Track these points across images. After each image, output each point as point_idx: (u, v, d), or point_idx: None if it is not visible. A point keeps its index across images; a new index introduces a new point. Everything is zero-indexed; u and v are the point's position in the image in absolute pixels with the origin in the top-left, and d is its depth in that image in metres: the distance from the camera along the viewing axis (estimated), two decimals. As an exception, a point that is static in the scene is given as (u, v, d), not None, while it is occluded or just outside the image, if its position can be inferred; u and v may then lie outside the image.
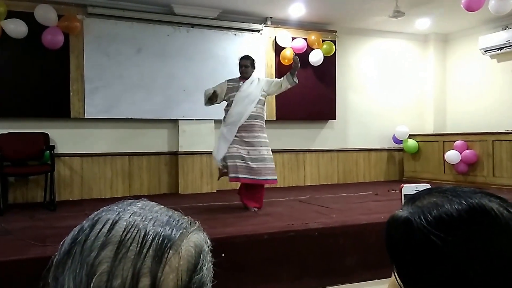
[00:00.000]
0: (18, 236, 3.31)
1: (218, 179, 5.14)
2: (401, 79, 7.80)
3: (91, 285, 0.44)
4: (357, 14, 6.70)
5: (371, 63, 7.60)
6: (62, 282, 0.46)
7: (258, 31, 6.61)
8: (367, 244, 3.50)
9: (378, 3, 6.16)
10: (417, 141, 7.35)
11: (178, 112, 6.11)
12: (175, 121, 6.15)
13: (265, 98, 4.70)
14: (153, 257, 0.46)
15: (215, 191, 6.20)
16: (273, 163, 4.55)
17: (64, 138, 5.58)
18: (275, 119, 6.68)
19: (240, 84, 4.59)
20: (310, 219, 3.86)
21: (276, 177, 4.54)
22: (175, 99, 6.09)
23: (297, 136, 7.00)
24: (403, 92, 7.81)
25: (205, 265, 0.50)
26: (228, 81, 4.69)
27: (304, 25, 6.89)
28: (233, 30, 6.45)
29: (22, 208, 4.93)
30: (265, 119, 4.69)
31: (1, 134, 5.14)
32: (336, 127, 7.29)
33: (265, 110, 4.76)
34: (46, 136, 5.40)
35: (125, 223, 0.48)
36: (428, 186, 0.81)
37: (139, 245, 0.46)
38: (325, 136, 7.23)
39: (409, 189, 0.82)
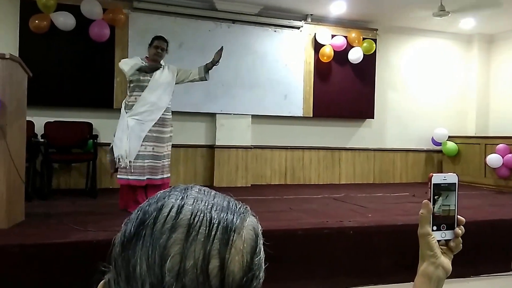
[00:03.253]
0: (61, 221, 3.44)
1: (111, 175, 4.31)
2: (442, 80, 7.61)
3: (166, 266, 0.46)
4: (399, 12, 6.57)
5: (412, 62, 7.44)
6: (134, 263, 0.48)
7: (298, 28, 6.59)
8: (403, 245, 3.45)
9: (421, 1, 6.02)
10: (457, 143, 7.15)
11: (216, 106, 6.19)
12: (213, 115, 6.24)
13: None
14: (221, 240, 0.48)
15: (250, 185, 6.26)
16: (168, 160, 4.11)
17: (107, 128, 5.74)
18: (312, 116, 6.67)
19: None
20: (345, 217, 3.84)
21: (169, 175, 4.10)
22: (214, 94, 6.18)
23: (334, 133, 6.96)
24: (444, 93, 7.62)
25: (261, 248, 0.53)
26: (142, 59, 4.04)
27: (344, 23, 6.83)
28: (273, 27, 6.47)
29: (64, 194, 5.11)
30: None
31: (48, 122, 5.36)
32: (374, 126, 7.19)
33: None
34: (90, 125, 5.59)
35: (190, 207, 0.50)
36: (454, 175, 0.82)
37: (207, 228, 0.48)
38: (362, 135, 7.15)
39: (437, 178, 0.82)
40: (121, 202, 4.11)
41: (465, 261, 3.49)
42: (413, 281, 0.81)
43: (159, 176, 3.99)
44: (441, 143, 7.23)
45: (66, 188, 5.56)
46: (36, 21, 5.22)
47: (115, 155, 3.93)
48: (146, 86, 3.95)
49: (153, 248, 0.47)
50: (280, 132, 6.65)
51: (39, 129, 5.30)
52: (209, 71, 4.17)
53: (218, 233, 0.48)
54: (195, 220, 0.49)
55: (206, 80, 4.23)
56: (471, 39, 7.68)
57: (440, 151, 7.41)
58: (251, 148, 6.35)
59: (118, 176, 3.98)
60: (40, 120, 5.31)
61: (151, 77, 3.97)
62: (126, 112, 3.98)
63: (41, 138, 5.19)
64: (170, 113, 4.16)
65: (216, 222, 0.49)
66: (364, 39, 6.74)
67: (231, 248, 0.48)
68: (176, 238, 0.47)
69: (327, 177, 6.89)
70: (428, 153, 7.50)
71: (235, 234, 0.50)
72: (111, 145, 4.06)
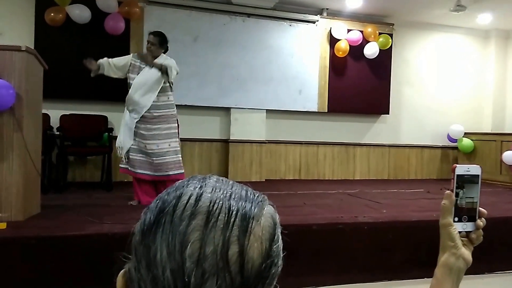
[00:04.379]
0: (77, 213, 3.46)
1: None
2: (458, 76, 7.50)
3: (186, 252, 0.47)
4: (416, 7, 6.49)
5: (428, 57, 7.35)
6: (155, 250, 0.48)
7: (314, 22, 6.54)
8: (417, 241, 3.42)
9: (439, -4, 5.93)
10: (473, 140, 7.06)
11: (231, 101, 6.19)
12: (227, 109, 6.24)
13: (171, 84, 4.08)
14: (240, 226, 0.49)
15: (264, 180, 6.26)
16: (178, 155, 4.05)
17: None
18: (326, 111, 6.62)
19: (143, 66, 4.00)
20: (359, 212, 3.81)
21: (181, 171, 4.03)
22: (228, 88, 6.17)
23: (348, 129, 6.91)
24: (460, 89, 7.51)
25: (280, 236, 0.54)
26: (134, 56, 4.08)
27: (360, 17, 6.76)
28: (288, 21, 6.43)
29: (80, 187, 5.16)
30: (174, 107, 4.12)
31: (64, 114, 5.40)
32: (389, 122, 7.13)
33: (171, 97, 4.11)
34: (105, 118, 5.62)
35: (209, 195, 0.51)
36: (478, 167, 0.81)
37: (226, 215, 0.49)
38: (377, 131, 7.09)
39: (461, 169, 0.82)
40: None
41: (480, 258, 3.44)
42: (427, 278, 0.80)
43: (161, 173, 3.98)
44: (456, 139, 7.14)
45: (81, 181, 5.60)
46: (52, 14, 5.26)
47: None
48: (131, 84, 4.01)
49: (173, 235, 0.48)
50: (294, 127, 6.62)
51: (54, 122, 5.35)
52: (164, 71, 3.91)
53: (237, 220, 0.49)
54: (214, 207, 0.49)
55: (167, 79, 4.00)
56: (488, 35, 7.55)
57: (455, 148, 7.31)
58: (265, 142, 6.34)
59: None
60: (55, 113, 5.36)
61: (136, 76, 4.00)
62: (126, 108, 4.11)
63: (57, 131, 5.23)
64: (168, 110, 4.05)
65: (235, 209, 0.50)
66: (380, 34, 6.66)
67: (250, 235, 0.49)
68: (196, 225, 0.48)
69: (341, 172, 6.85)
70: (443, 150, 7.41)
71: (254, 221, 0.50)
72: None
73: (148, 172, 3.99)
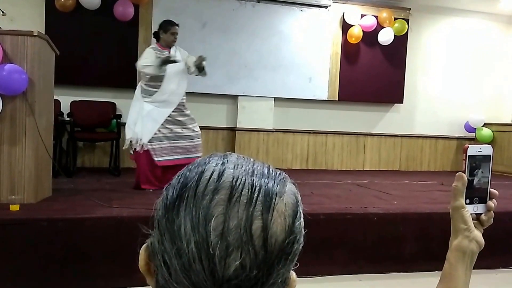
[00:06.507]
0: (87, 197, 3.51)
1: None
2: (478, 63, 7.24)
3: (210, 225, 0.47)
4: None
5: (446, 44, 7.10)
6: (179, 224, 0.49)
7: (326, 7, 6.38)
8: (430, 234, 3.34)
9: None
10: (492, 130, 6.87)
11: (239, 88, 6.10)
12: (235, 97, 6.16)
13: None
14: (263, 202, 0.49)
15: (271, 169, 6.18)
16: (200, 139, 4.30)
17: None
18: (337, 99, 6.50)
19: (169, 56, 4.07)
20: (369, 203, 3.74)
21: (201, 154, 4.09)
22: (236, 75, 6.09)
23: (359, 118, 6.77)
24: (479, 77, 7.26)
25: (302, 213, 0.54)
26: (154, 49, 4.13)
27: (375, 1, 6.56)
28: (299, 6, 6.28)
29: (89, 172, 5.21)
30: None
31: (74, 101, 5.42)
32: (403, 111, 6.97)
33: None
34: (113, 105, 5.62)
35: (231, 170, 0.51)
36: (490, 147, 0.81)
37: (249, 191, 0.49)
38: (389, 120, 6.94)
39: (473, 149, 0.80)
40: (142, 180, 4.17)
41: (495, 252, 3.36)
42: (439, 271, 0.78)
43: (195, 155, 4.11)
44: (475, 129, 6.95)
45: (90, 166, 5.65)
46: (62, 0, 5.26)
47: (126, 138, 4.15)
48: (163, 76, 4.03)
49: (197, 209, 0.48)
50: (303, 115, 6.52)
51: (65, 108, 5.36)
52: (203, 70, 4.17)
53: (260, 196, 0.49)
54: (237, 183, 0.50)
55: (204, 75, 4.27)
56: (511, 20, 7.31)
57: (472, 139, 7.12)
58: (272, 131, 6.26)
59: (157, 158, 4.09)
60: (65, 99, 5.37)
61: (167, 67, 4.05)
62: (143, 97, 4.09)
63: (67, 117, 5.26)
64: (185, 96, 4.27)
65: (258, 186, 0.50)
66: (395, 19, 6.47)
67: (274, 211, 0.49)
68: (219, 200, 0.48)
69: (350, 163, 6.74)
70: (459, 141, 7.20)
71: (277, 198, 0.50)
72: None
73: (171, 157, 4.06)
